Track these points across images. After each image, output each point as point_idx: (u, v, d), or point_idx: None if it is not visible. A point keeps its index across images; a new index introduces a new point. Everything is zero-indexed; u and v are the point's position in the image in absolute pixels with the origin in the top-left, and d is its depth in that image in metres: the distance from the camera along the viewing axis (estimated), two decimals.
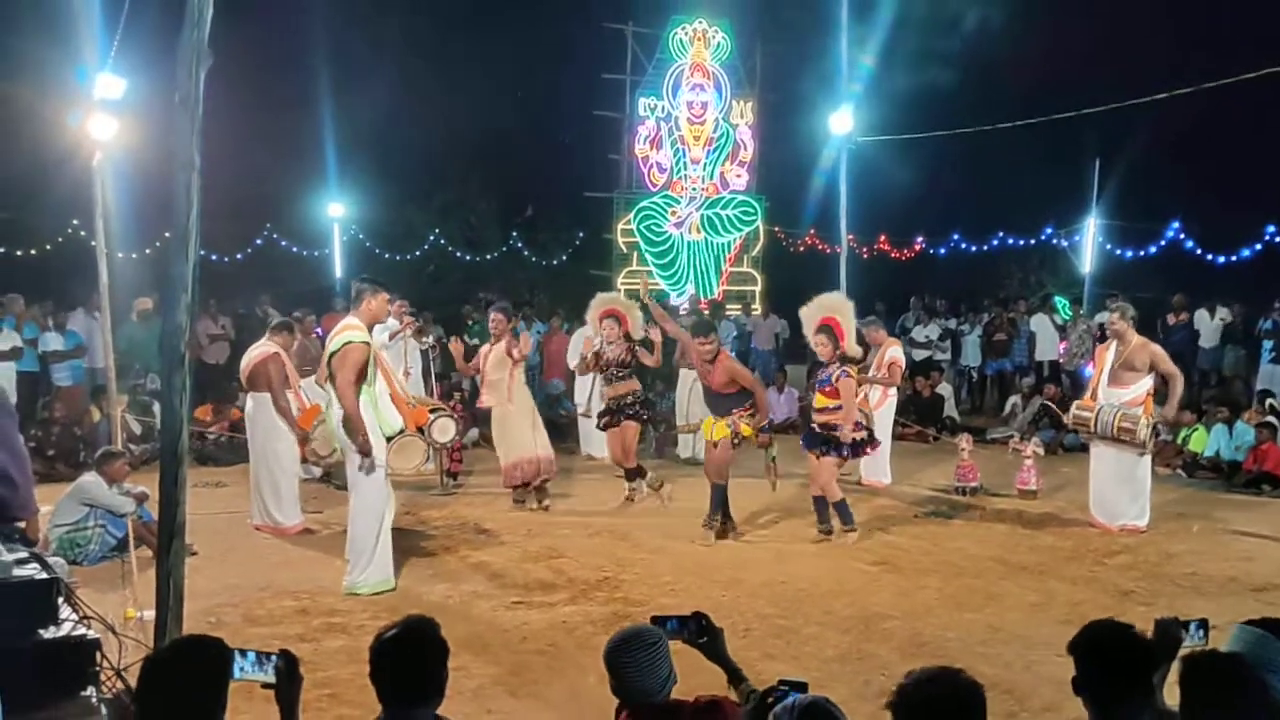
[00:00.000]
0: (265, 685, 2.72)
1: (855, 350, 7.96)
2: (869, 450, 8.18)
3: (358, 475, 6.43)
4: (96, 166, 8.13)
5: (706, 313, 15.65)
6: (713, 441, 7.90)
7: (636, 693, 2.81)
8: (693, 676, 3.11)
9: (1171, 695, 2.74)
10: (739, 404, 7.84)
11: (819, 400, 7.87)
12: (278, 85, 19.95)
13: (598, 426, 9.60)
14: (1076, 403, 8.74)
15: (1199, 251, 16.97)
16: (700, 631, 3.04)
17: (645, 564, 7.12)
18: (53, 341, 11.93)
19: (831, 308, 7.94)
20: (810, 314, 7.94)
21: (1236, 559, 7.34)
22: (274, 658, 2.72)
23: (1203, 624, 2.97)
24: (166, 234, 3.71)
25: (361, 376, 6.37)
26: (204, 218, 3.84)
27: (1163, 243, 17.45)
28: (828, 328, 7.73)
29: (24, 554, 3.64)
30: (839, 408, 7.70)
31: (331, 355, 6.37)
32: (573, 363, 11.71)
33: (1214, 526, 8.35)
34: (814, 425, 7.94)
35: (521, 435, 8.83)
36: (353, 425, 6.30)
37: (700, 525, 7.94)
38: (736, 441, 7.82)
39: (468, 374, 9.81)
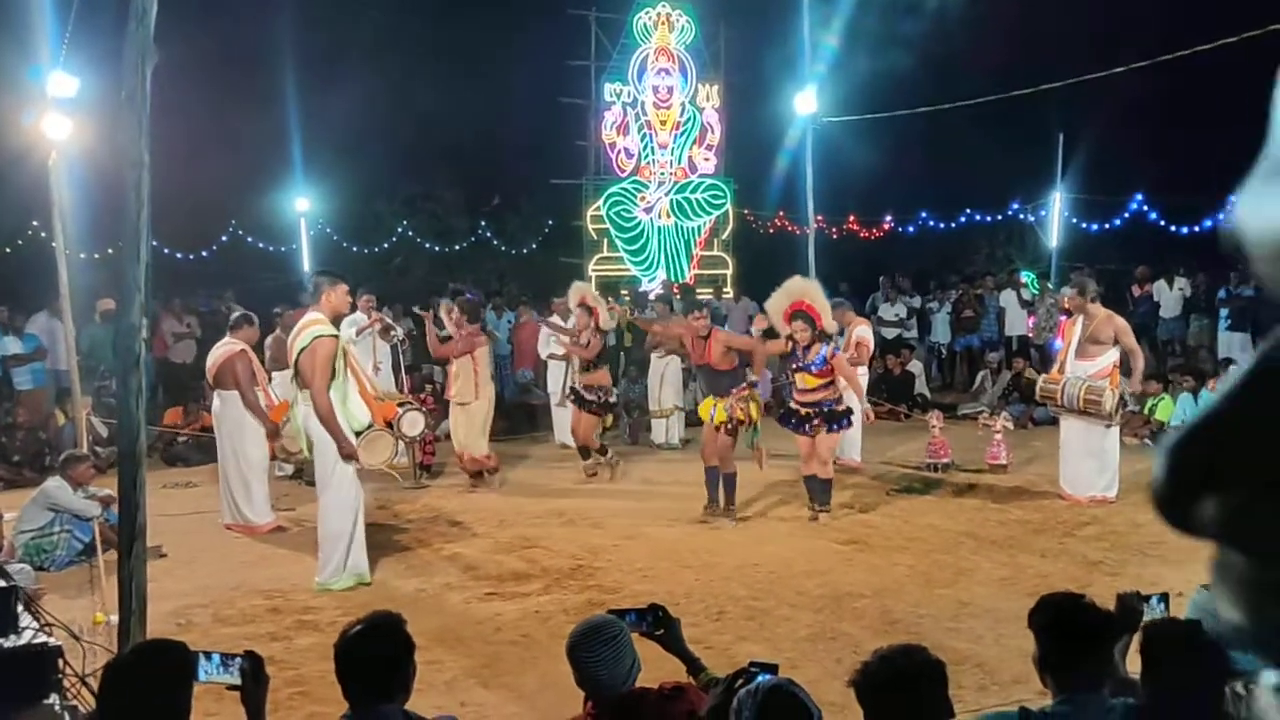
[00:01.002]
0: (231, 687, 2.71)
1: (832, 326, 7.97)
2: (852, 422, 8.25)
3: (327, 472, 6.40)
4: (52, 166, 8.00)
5: (678, 296, 15.69)
6: (714, 425, 7.86)
7: (601, 685, 2.81)
8: (660, 664, 3.12)
9: (1134, 664, 2.78)
10: (737, 382, 7.87)
11: (807, 381, 7.75)
12: (240, 81, 19.71)
13: (559, 404, 9.95)
14: (1043, 376, 8.83)
15: (1163, 223, 17.15)
16: (657, 623, 3.05)
17: (618, 551, 7.13)
18: (11, 345, 11.76)
19: (801, 292, 7.92)
20: (779, 303, 7.89)
21: None
22: (239, 659, 2.70)
23: (1163, 597, 3.01)
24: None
25: (331, 371, 6.33)
26: (166, 215, 3.81)
27: (1127, 215, 17.63)
28: (802, 313, 7.70)
29: None
30: (829, 384, 7.71)
31: (300, 351, 6.32)
32: (543, 352, 11.71)
33: None
34: (797, 407, 7.85)
35: (484, 428, 9.01)
36: (327, 424, 6.26)
37: (702, 512, 8.01)
38: (731, 428, 7.78)
39: (440, 355, 9.72)
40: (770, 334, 8.29)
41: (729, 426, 7.78)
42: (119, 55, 3.70)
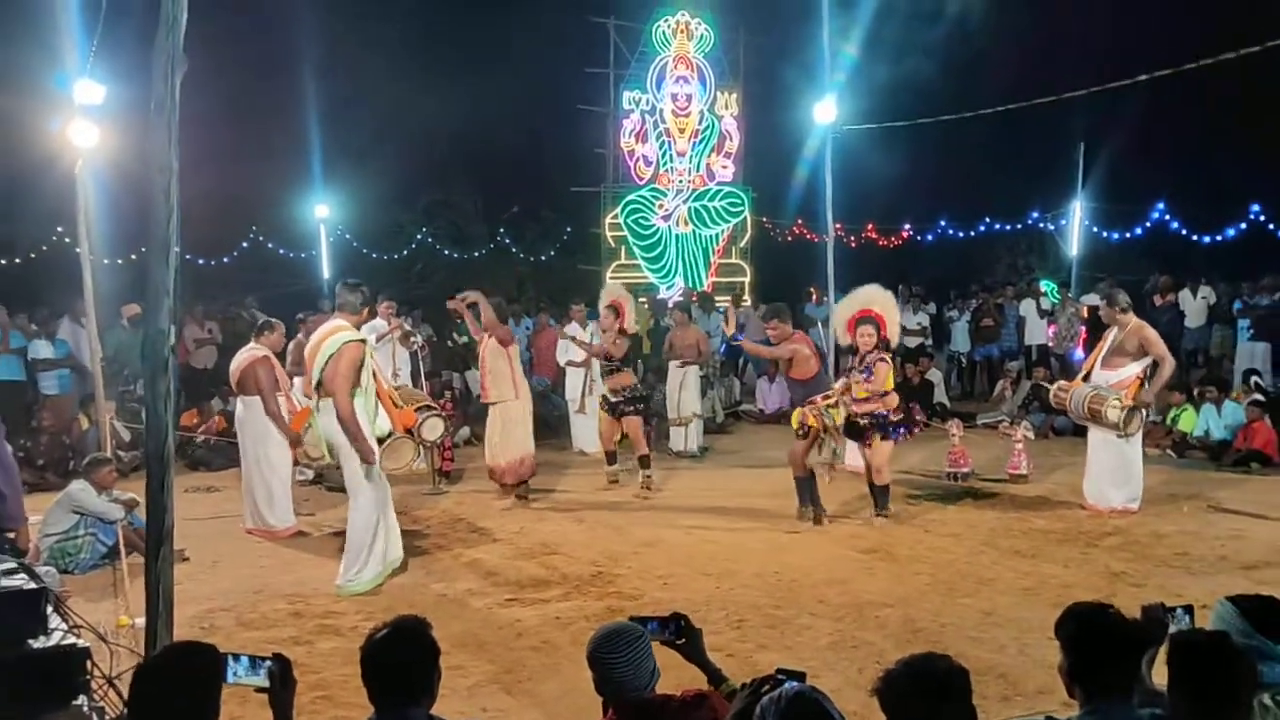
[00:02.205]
0: (259, 689, 2.72)
1: (895, 335, 8.07)
2: (917, 430, 8.40)
3: (356, 477, 6.45)
4: (79, 173, 8.07)
5: (696, 304, 15.70)
6: (796, 433, 7.99)
7: (621, 690, 2.81)
8: (679, 672, 3.11)
9: (1160, 676, 2.76)
10: (813, 390, 7.99)
11: (859, 391, 7.83)
12: (262, 87, 19.89)
13: (577, 411, 9.92)
14: (1057, 383, 8.83)
15: (1184, 232, 17.05)
16: (679, 633, 3.04)
17: (638, 558, 7.13)
18: (42, 350, 11.88)
19: (870, 299, 8.03)
20: (848, 308, 8.07)
21: (1226, 537, 7.38)
22: (267, 662, 2.71)
23: (1188, 609, 2.99)
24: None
25: (356, 378, 6.38)
26: (188, 221, 3.83)
27: (1148, 224, 17.53)
28: (870, 319, 7.82)
29: (12, 564, 3.63)
30: (886, 394, 7.80)
31: (328, 357, 6.37)
32: (562, 360, 11.74)
33: (1203, 506, 8.39)
34: (855, 416, 7.90)
35: (527, 430, 8.92)
36: (350, 429, 6.30)
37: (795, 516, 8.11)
38: (803, 433, 7.86)
39: (479, 335, 9.41)
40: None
41: (802, 431, 7.87)
42: (145, 62, 3.74)
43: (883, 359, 7.81)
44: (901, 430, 7.94)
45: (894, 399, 7.89)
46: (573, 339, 10.85)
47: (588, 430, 11.25)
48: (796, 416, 7.93)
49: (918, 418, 8.51)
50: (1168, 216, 17.17)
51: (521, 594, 6.36)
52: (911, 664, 2.39)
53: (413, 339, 10.36)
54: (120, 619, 5.64)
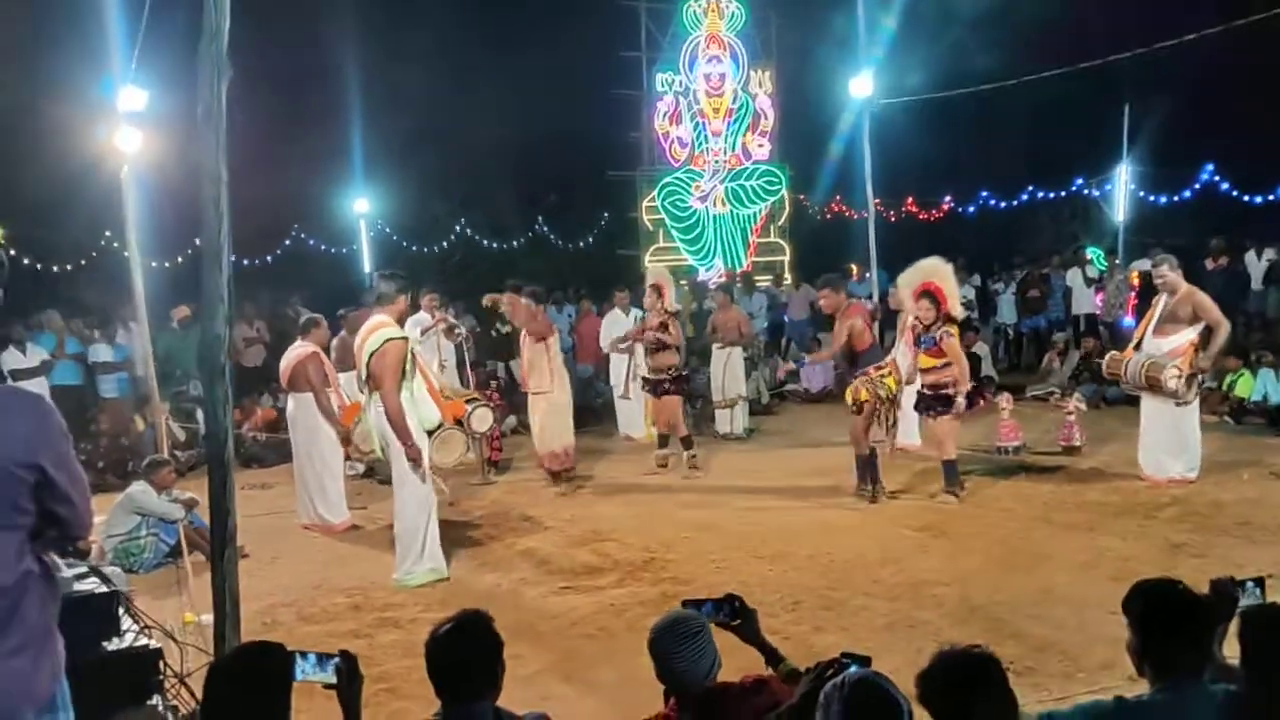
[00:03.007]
0: (327, 686, 2.76)
1: (959, 311, 8.08)
2: (982, 401, 8.42)
3: (404, 470, 6.50)
4: (124, 179, 8.20)
5: (739, 285, 15.62)
6: (850, 408, 8.01)
7: (684, 680, 2.82)
8: (735, 653, 3.12)
9: (1231, 649, 2.72)
10: (870, 361, 8.01)
11: (924, 361, 7.92)
12: (300, 85, 20.01)
13: (621, 395, 10.04)
14: (1110, 353, 8.69)
15: (1235, 193, 16.64)
16: (734, 614, 3.05)
17: (689, 542, 7.15)
18: (103, 353, 12.14)
19: (932, 272, 8.04)
20: (909, 280, 8.10)
21: None
22: (334, 658, 2.75)
23: (1259, 581, 2.93)
24: (197, 240, 3.75)
25: (401, 373, 6.43)
26: (233, 225, 3.89)
27: (1197, 186, 17.13)
28: (929, 293, 7.84)
29: (83, 569, 3.72)
30: (947, 364, 7.79)
31: (372, 354, 6.43)
32: (605, 345, 11.77)
33: (1264, 473, 8.22)
34: (923, 388, 7.96)
35: (565, 421, 8.96)
36: (397, 426, 6.35)
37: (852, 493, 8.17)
38: (857, 408, 7.90)
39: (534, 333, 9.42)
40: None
41: (856, 407, 7.88)
42: (188, 67, 3.79)
43: (949, 332, 7.78)
44: (947, 405, 7.86)
45: (957, 370, 7.79)
46: (617, 339, 10.91)
47: (633, 415, 11.28)
48: (850, 393, 7.93)
49: (984, 393, 8.47)
50: (1217, 178, 16.77)
51: (575, 582, 6.40)
52: (944, 658, 2.37)
53: (457, 331, 10.42)
54: (186, 616, 5.74)
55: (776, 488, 8.68)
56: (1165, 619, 2.57)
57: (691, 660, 2.81)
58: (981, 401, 8.37)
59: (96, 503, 7.90)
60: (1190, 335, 7.88)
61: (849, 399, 7.95)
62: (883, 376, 7.87)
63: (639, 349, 10.09)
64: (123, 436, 10.91)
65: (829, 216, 22.30)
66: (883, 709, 2.24)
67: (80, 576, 3.62)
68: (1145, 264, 12.58)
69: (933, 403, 7.91)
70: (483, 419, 7.38)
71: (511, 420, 11.86)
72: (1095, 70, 12.03)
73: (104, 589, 3.43)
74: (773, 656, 3.08)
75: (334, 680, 2.75)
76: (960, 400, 7.76)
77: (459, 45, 22.03)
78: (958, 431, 8.07)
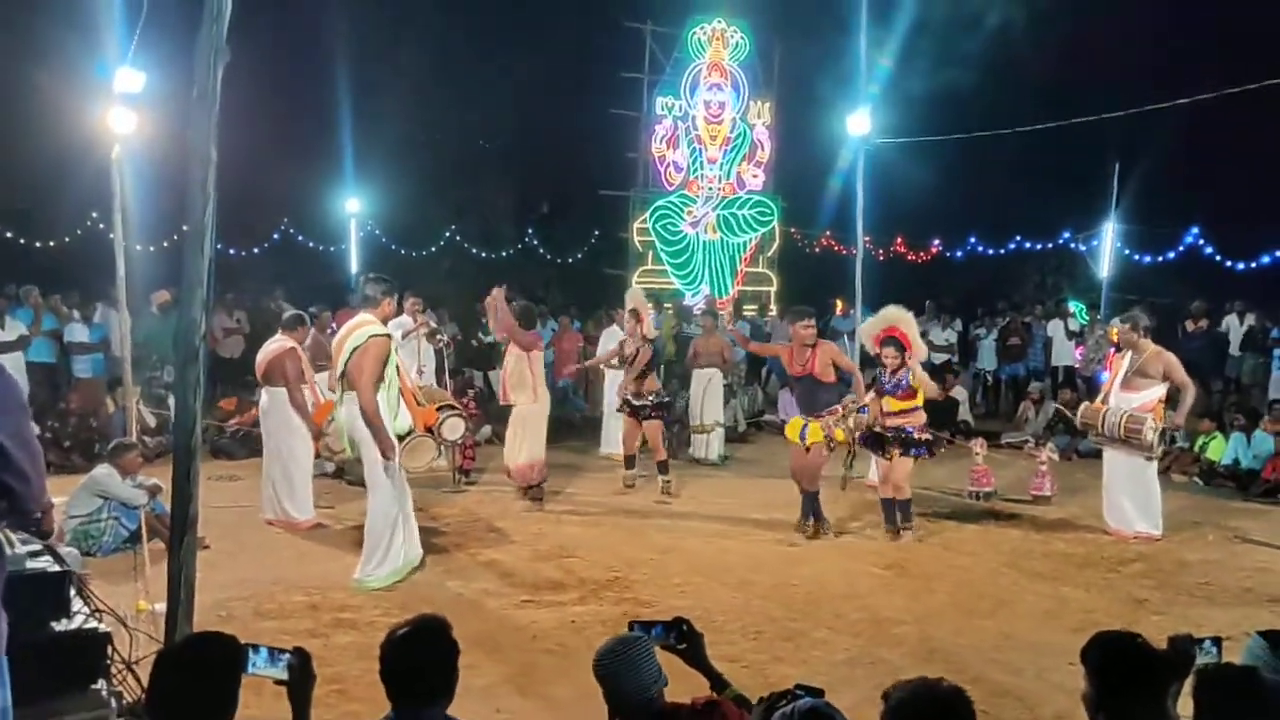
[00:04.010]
0: (278, 682, 2.72)
1: (922, 354, 8.11)
2: (941, 449, 8.52)
3: (376, 472, 6.46)
4: (115, 159, 8.15)
5: (725, 313, 15.65)
6: (805, 446, 7.91)
7: (627, 694, 2.81)
8: (683, 680, 3.10)
9: (1185, 708, 2.72)
10: (835, 398, 7.97)
11: (891, 405, 7.91)
12: (297, 81, 20.01)
13: (619, 409, 10.03)
14: (1085, 404, 8.76)
15: (1218, 257, 16.85)
16: (682, 637, 3.05)
17: (655, 564, 7.12)
18: (79, 333, 12.02)
19: (895, 319, 8.05)
20: (872, 328, 8.16)
21: (1252, 569, 7.28)
22: (287, 654, 2.71)
23: (1216, 641, 2.94)
24: (184, 227, 3.71)
25: (381, 371, 6.40)
26: (220, 211, 3.86)
27: (1181, 248, 17.33)
28: (894, 339, 7.86)
29: (37, 546, 3.66)
30: (916, 409, 7.85)
31: (354, 350, 6.40)
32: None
33: (1229, 535, 8.28)
34: (881, 430, 7.94)
35: (539, 436, 8.93)
36: (373, 424, 6.33)
37: (793, 529, 8.12)
38: (832, 446, 7.88)
39: (501, 337, 9.55)
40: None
41: (827, 445, 7.84)
42: (185, 51, 3.77)
43: (913, 369, 7.84)
44: (924, 451, 7.93)
45: (922, 416, 7.90)
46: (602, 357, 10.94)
47: (615, 434, 11.28)
48: (818, 429, 7.85)
49: (942, 438, 8.52)
50: (1202, 241, 16.97)
51: (538, 596, 6.35)
52: (907, 694, 2.34)
53: (438, 336, 10.38)
54: (139, 604, 5.67)
55: (746, 516, 8.67)
56: (1122, 671, 2.57)
57: (631, 670, 2.82)
58: (941, 448, 8.48)
59: (61, 483, 7.83)
60: (1159, 392, 8.01)
61: (818, 436, 7.81)
62: (839, 420, 7.81)
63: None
64: (92, 417, 10.78)
65: (818, 250, 22.42)
66: None
67: (34, 554, 3.56)
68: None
69: (904, 445, 7.86)
70: (454, 428, 7.32)
71: (486, 430, 11.80)
72: (1088, 126, 12.17)
73: (56, 568, 3.37)
74: (718, 682, 3.08)
75: (285, 677, 2.71)
76: (927, 450, 7.90)
77: (462, 53, 22.10)
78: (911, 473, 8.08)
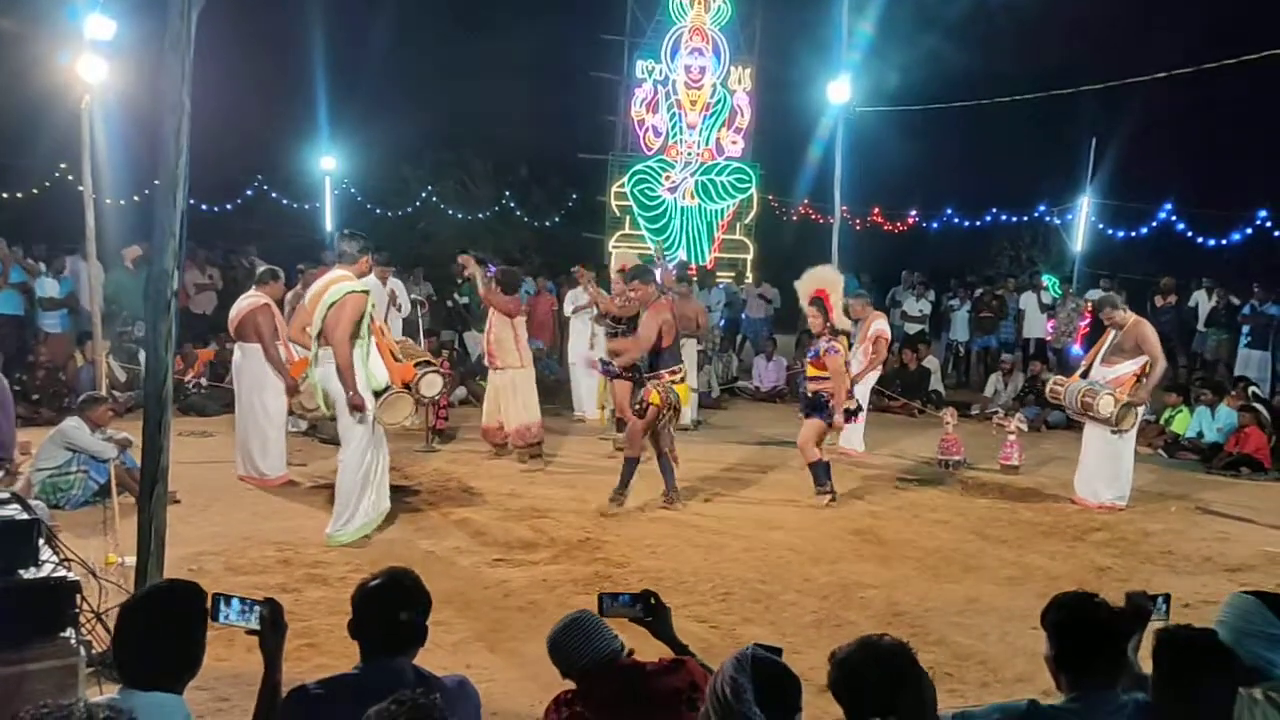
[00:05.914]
0: (249, 632, 2.73)
1: (844, 323, 8.09)
2: (856, 419, 8.55)
3: (349, 428, 6.46)
4: (85, 109, 8.00)
5: (695, 279, 15.64)
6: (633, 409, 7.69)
7: (584, 657, 2.84)
8: (649, 653, 3.12)
9: (1146, 661, 2.78)
10: (669, 364, 7.66)
11: (809, 370, 8.06)
12: (273, 38, 19.70)
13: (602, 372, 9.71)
14: (1054, 377, 8.85)
15: (1190, 234, 17.01)
16: (649, 610, 3.07)
17: (626, 526, 7.16)
18: (48, 287, 11.86)
19: (823, 280, 8.07)
20: (804, 285, 8.12)
21: (1212, 539, 7.42)
22: (259, 606, 2.72)
23: (1166, 598, 3.07)
24: (156, 181, 3.65)
25: (356, 327, 6.38)
26: (193, 166, 3.81)
27: (1154, 224, 17.48)
28: (819, 300, 7.86)
29: (4, 494, 3.63)
30: (826, 378, 7.83)
31: (330, 305, 6.36)
32: (568, 309, 11.84)
33: (1192, 506, 8.43)
34: (806, 391, 8.07)
35: (531, 398, 8.96)
36: (345, 378, 6.32)
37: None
38: (641, 410, 7.55)
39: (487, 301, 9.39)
40: None
41: (641, 409, 7.55)
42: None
43: (834, 348, 7.75)
44: (829, 414, 7.80)
45: (835, 385, 7.76)
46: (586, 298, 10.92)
47: (588, 396, 11.28)
48: (641, 393, 7.57)
49: (858, 412, 8.64)
50: (1174, 218, 17.12)
51: (510, 555, 6.38)
52: (857, 646, 2.35)
53: (398, 300, 10.39)
54: (109, 557, 5.66)
55: (718, 480, 8.73)
56: (1081, 630, 2.62)
57: (587, 638, 2.86)
58: (855, 420, 8.62)
59: (31, 435, 7.75)
60: (1133, 367, 8.07)
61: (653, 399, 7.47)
62: (674, 382, 7.62)
63: (600, 331, 10.09)
64: (61, 371, 10.67)
65: (796, 219, 22.43)
66: (789, 681, 2.25)
67: (2, 503, 3.53)
68: (1097, 294, 12.83)
69: (811, 407, 7.91)
70: (431, 384, 7.29)
71: (461, 391, 11.78)
72: (1065, 99, 12.22)
73: (25, 516, 3.34)
74: (683, 654, 3.09)
75: (257, 627, 2.72)
76: (838, 417, 7.88)
77: (443, 10, 21.81)
78: (822, 436, 7.99)
